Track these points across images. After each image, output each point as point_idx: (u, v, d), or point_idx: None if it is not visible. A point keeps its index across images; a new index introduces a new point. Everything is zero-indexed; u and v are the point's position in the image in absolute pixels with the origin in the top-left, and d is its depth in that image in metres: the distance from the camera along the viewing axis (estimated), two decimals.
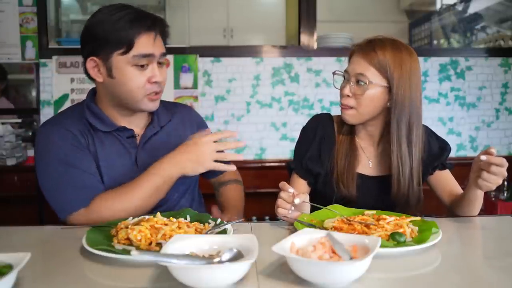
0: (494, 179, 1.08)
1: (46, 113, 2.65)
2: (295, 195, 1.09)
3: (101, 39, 1.17)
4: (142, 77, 1.19)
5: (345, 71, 1.29)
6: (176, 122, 1.40)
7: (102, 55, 1.18)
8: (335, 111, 1.38)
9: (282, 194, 1.11)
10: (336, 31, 2.87)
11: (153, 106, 1.26)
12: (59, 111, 1.69)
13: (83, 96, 1.36)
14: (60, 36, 2.97)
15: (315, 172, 1.33)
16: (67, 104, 2.66)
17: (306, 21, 2.78)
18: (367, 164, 1.35)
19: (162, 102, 1.43)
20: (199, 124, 1.47)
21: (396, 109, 1.24)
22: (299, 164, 1.36)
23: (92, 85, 1.30)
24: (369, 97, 1.23)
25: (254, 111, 2.74)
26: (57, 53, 2.67)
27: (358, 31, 2.53)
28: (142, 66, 1.19)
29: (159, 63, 1.23)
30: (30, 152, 2.65)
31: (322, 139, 1.35)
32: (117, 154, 1.27)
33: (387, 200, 1.29)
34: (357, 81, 1.23)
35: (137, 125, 1.31)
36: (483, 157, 1.07)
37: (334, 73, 1.33)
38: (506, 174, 1.08)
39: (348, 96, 1.25)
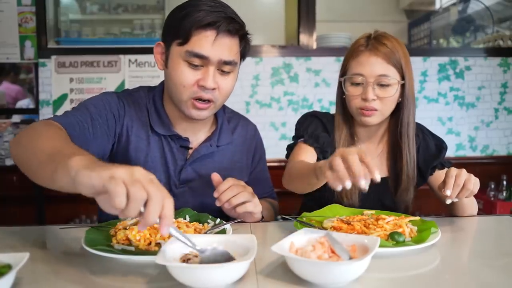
0: (464, 193, 1.06)
1: (45, 113, 2.65)
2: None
3: (169, 25, 1.15)
4: (191, 76, 1.11)
5: (359, 74, 1.22)
6: (236, 144, 1.33)
7: (166, 42, 1.16)
8: (334, 111, 1.37)
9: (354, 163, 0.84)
10: (335, 31, 2.87)
11: (196, 114, 1.16)
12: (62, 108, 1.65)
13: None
14: (59, 35, 2.96)
15: (323, 142, 1.28)
16: (66, 104, 2.65)
17: (305, 21, 2.78)
18: None
19: (227, 113, 1.36)
20: (256, 148, 1.41)
21: (407, 104, 1.25)
22: (305, 132, 1.30)
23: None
24: (393, 97, 1.23)
25: (253, 111, 2.74)
26: (56, 52, 2.67)
27: (357, 31, 2.52)
28: (196, 65, 1.11)
29: (222, 71, 1.14)
30: None
31: (325, 127, 1.32)
32: (163, 159, 1.21)
33: (388, 202, 1.29)
34: (379, 83, 1.20)
35: (194, 135, 1.25)
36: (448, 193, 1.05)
37: (345, 79, 1.25)
38: (473, 181, 1.06)
39: (374, 100, 1.21)
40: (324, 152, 1.28)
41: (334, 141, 1.31)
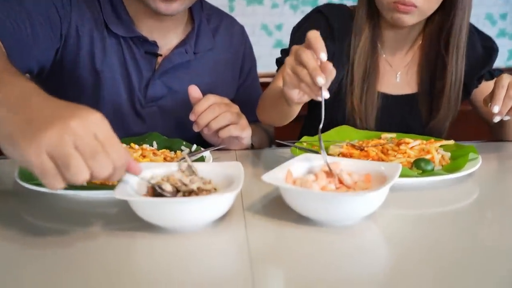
0: None
1: None
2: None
3: None
4: None
5: None
6: (219, 50, 1.33)
7: None
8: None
9: (302, 53, 0.85)
10: None
11: (164, 7, 1.14)
12: None
13: None
14: None
15: None
16: None
17: None
18: (393, 79, 1.34)
19: (205, 10, 1.34)
20: (245, 56, 1.41)
21: (462, 3, 1.21)
22: (299, 42, 1.27)
23: None
24: None
25: (239, 9, 2.69)
26: None
27: None
28: None
29: None
30: None
31: (337, 33, 1.28)
32: (123, 69, 1.21)
33: (416, 126, 1.31)
34: None
35: (164, 37, 1.24)
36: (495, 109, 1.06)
37: None
38: None
39: None
40: None
41: (346, 50, 1.28)
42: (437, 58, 1.29)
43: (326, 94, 0.84)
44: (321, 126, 0.87)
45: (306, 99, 0.92)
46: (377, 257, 0.66)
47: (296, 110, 1.04)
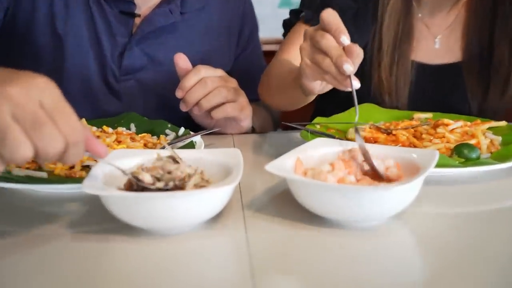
0: None
1: None
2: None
3: None
4: None
5: None
6: (212, 11, 1.34)
7: None
8: None
9: (321, 38, 0.85)
10: None
11: None
12: None
13: None
14: None
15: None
16: None
17: None
18: (431, 45, 1.34)
19: None
20: (245, 18, 1.42)
21: None
22: (311, 2, 1.30)
23: None
24: None
25: None
26: None
27: None
28: None
29: None
30: None
31: None
32: (92, 33, 1.22)
33: (459, 104, 1.30)
34: None
35: None
36: None
37: None
38: None
39: None
40: None
41: (372, 9, 1.28)
42: (494, 18, 1.28)
43: (356, 84, 0.84)
44: (356, 119, 0.89)
45: (329, 88, 0.93)
46: (408, 264, 0.65)
47: (312, 98, 1.04)
